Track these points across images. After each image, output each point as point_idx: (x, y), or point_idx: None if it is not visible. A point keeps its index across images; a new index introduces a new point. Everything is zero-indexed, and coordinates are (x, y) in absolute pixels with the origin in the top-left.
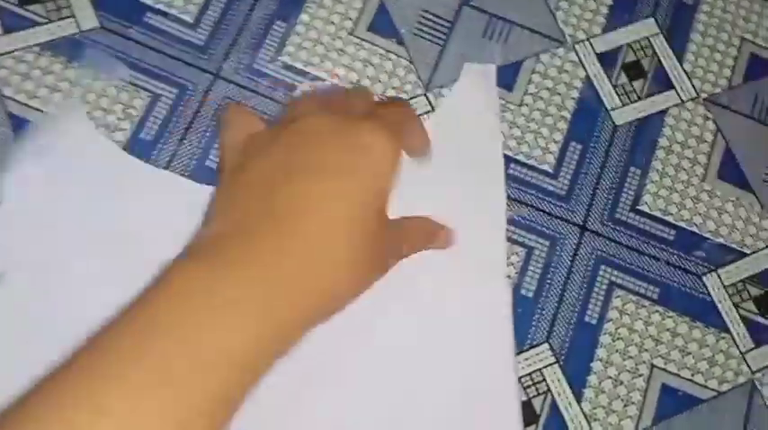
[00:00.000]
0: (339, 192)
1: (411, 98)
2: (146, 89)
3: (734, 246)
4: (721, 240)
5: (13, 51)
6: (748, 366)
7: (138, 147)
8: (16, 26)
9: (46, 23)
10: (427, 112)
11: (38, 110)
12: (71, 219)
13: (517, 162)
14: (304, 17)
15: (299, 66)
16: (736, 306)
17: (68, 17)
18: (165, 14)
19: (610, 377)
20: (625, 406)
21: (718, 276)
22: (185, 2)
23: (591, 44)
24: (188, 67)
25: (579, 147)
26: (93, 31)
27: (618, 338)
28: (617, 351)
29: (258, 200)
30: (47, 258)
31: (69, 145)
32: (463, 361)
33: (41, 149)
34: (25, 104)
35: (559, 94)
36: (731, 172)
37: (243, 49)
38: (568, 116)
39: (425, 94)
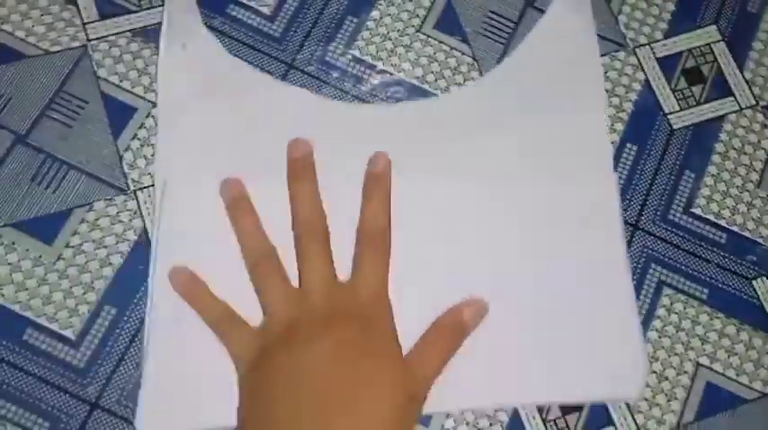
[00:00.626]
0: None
1: None
2: None
3: None
4: None
5: (107, 36)
6: None
7: None
8: (110, 13)
9: (137, 11)
10: None
11: (128, 91)
12: (222, 138)
13: None
14: (374, 13)
15: (368, 59)
16: None
17: (158, 6)
18: (245, 7)
19: (654, 372)
20: (669, 400)
21: None
22: None
23: (652, 48)
24: (264, 56)
25: (635, 148)
26: None
27: (665, 336)
28: (663, 347)
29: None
30: (204, 171)
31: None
32: (574, 241)
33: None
34: (116, 86)
35: (618, 95)
36: None
37: (316, 41)
38: (626, 117)
39: None
